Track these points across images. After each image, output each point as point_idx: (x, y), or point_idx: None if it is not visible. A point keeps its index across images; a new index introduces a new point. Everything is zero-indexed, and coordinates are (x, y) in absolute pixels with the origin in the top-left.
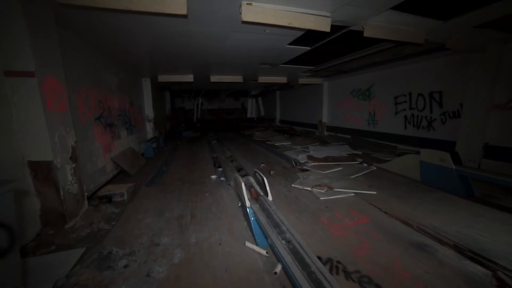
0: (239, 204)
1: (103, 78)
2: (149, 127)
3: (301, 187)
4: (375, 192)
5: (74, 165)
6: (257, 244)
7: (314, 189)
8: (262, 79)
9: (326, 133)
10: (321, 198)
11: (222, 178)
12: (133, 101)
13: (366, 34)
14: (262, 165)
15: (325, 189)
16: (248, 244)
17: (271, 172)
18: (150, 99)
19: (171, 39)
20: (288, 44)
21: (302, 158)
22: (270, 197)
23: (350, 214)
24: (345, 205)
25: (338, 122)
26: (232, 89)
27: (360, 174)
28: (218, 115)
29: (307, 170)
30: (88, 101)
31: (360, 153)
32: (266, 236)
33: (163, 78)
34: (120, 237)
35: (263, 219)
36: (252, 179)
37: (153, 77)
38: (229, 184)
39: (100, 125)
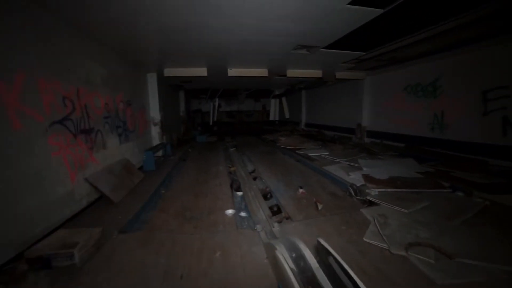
0: None
1: (75, 65)
2: (155, 132)
3: (383, 246)
4: None
5: None
6: None
7: (412, 254)
8: (292, 72)
9: (366, 139)
10: (440, 283)
11: (243, 214)
12: (132, 100)
13: None
14: (301, 190)
15: (433, 254)
16: None
17: (319, 207)
18: (157, 98)
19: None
20: (350, 3)
21: (354, 177)
22: None
23: None
24: None
25: (383, 126)
26: (253, 89)
27: (469, 215)
28: (236, 118)
29: (373, 202)
30: (36, 95)
31: (432, 170)
32: None
33: (170, 72)
34: None
35: None
36: (309, 258)
37: (160, 71)
38: (255, 229)
39: (64, 132)
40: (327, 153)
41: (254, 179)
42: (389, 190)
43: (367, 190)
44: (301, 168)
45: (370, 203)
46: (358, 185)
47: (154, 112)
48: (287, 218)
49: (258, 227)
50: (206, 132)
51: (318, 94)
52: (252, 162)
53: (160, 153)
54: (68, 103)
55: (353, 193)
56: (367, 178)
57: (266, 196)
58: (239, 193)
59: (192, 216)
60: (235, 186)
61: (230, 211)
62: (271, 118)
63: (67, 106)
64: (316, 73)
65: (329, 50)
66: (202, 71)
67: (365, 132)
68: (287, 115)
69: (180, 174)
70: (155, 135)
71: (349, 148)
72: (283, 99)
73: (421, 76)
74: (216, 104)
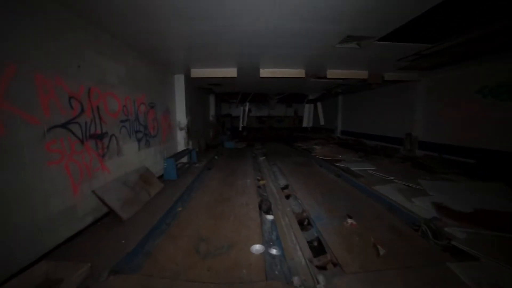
0: None
1: (85, 62)
2: (180, 137)
3: None
4: None
5: None
6: None
7: None
8: (333, 73)
9: (417, 151)
10: None
11: (274, 251)
12: (155, 103)
13: None
14: (350, 221)
15: None
16: None
17: (381, 251)
18: (184, 101)
19: None
20: None
21: (421, 206)
22: None
23: None
24: None
25: (442, 137)
26: (286, 93)
27: None
28: (266, 123)
29: (462, 251)
30: (30, 93)
31: None
32: None
33: (198, 72)
34: None
35: None
36: None
37: (188, 72)
38: (291, 283)
39: (68, 137)
40: (374, 168)
41: (287, 197)
42: (473, 229)
43: (446, 228)
44: (345, 187)
45: (455, 251)
46: (429, 218)
47: (180, 116)
48: (334, 265)
49: (296, 280)
50: (235, 137)
51: (357, 99)
52: (284, 175)
53: (185, 159)
54: (75, 104)
55: (430, 235)
56: (441, 208)
57: (303, 222)
58: (270, 217)
59: (207, 250)
60: (265, 207)
61: (257, 247)
62: (305, 124)
63: (74, 108)
64: (362, 74)
65: (385, 42)
66: (232, 72)
67: (416, 143)
68: (322, 122)
69: (203, 186)
70: (181, 141)
71: (399, 162)
72: (318, 104)
73: (506, 74)
74: (247, 108)
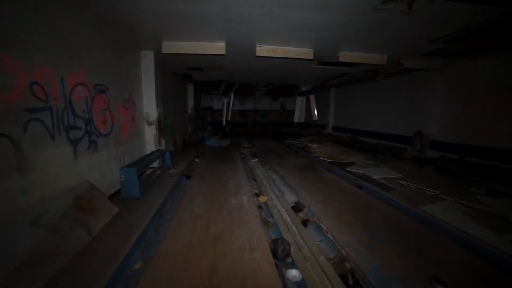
0: None
1: None
2: (149, 135)
3: None
4: None
5: None
6: None
7: None
8: (347, 56)
9: (429, 152)
10: None
11: None
12: (107, 86)
13: None
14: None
15: None
16: None
17: None
18: (153, 86)
19: None
20: None
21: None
22: None
23: None
24: None
25: (464, 136)
26: (276, 83)
27: None
28: (251, 118)
29: None
30: None
31: None
32: None
33: (171, 47)
34: None
35: None
36: None
37: (158, 48)
38: None
39: None
40: (400, 176)
41: (304, 223)
42: None
43: None
44: (380, 208)
45: None
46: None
47: (149, 106)
48: None
49: None
50: (217, 133)
51: (352, 92)
52: (289, 186)
53: (156, 163)
54: None
55: None
56: None
57: (347, 279)
58: (295, 275)
59: None
60: (282, 253)
61: None
62: (296, 119)
63: None
64: (379, 58)
65: (451, 2)
66: (219, 48)
67: (427, 142)
68: (315, 117)
69: (179, 209)
70: (150, 139)
71: (416, 165)
72: (311, 97)
73: None
74: (231, 101)
